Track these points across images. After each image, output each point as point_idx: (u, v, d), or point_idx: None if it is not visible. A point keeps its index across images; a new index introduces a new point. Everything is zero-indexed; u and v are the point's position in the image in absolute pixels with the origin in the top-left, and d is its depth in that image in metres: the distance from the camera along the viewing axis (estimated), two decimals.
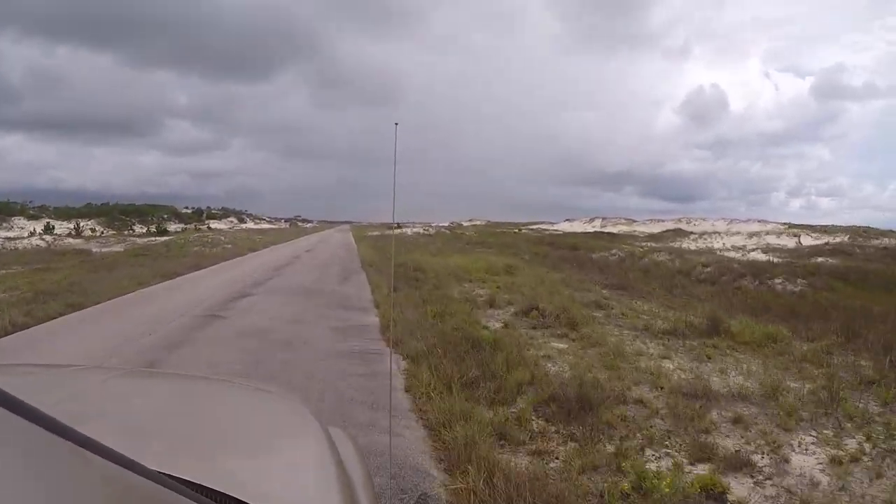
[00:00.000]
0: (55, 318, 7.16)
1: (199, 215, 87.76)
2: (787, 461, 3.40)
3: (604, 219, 70.96)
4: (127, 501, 0.48)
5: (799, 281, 15.16)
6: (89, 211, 66.28)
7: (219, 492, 0.74)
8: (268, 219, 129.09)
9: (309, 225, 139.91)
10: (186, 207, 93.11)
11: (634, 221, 61.65)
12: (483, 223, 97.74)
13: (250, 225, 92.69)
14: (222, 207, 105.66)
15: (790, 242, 32.56)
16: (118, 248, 27.01)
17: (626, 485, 2.96)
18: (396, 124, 2.66)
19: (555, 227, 74.11)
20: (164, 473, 0.61)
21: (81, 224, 52.04)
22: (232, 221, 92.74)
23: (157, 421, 1.09)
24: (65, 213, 63.26)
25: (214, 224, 78.43)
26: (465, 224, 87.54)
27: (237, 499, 0.74)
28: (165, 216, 78.50)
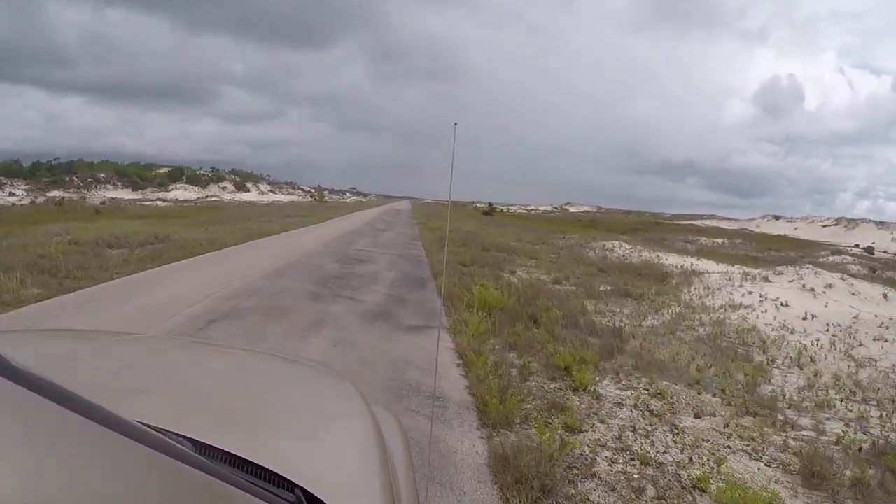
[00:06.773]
0: None
1: (178, 176, 61.71)
2: None
3: (850, 221, 41.34)
4: (161, 482, 0.45)
5: None
6: None
7: (258, 465, 0.72)
8: (302, 188, 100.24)
9: (352, 199, 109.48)
10: (165, 168, 67.17)
11: None
12: (595, 210, 63.33)
13: (251, 196, 64.84)
14: (232, 170, 78.71)
15: None
16: None
17: None
18: (455, 124, 2.52)
19: (755, 227, 41.29)
20: (204, 444, 0.65)
21: None
22: (225, 188, 65.33)
23: (205, 392, 1.07)
24: None
25: (182, 194, 52.60)
26: (572, 210, 57.80)
27: (277, 474, 0.72)
28: (102, 176, 53.53)
